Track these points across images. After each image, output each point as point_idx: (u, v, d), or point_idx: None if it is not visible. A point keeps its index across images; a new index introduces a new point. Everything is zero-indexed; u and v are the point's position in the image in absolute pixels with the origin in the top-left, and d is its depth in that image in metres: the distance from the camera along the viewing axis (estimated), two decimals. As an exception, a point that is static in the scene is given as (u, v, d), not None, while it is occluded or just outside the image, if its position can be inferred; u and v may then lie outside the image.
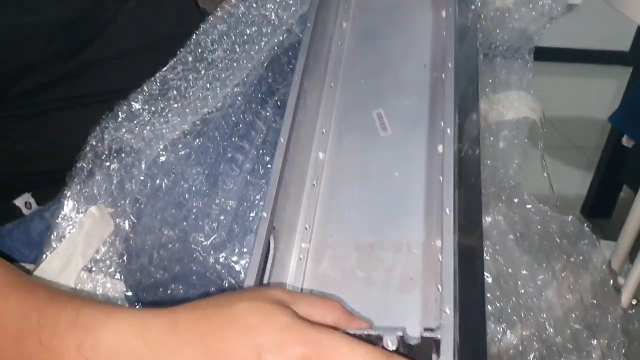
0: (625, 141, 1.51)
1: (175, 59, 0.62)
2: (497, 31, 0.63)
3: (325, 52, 0.65)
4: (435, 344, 0.37)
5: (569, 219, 0.71)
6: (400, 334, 0.37)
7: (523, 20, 0.63)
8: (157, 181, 0.56)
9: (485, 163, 0.60)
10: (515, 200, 0.65)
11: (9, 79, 0.53)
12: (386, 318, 0.46)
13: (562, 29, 2.21)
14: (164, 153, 0.59)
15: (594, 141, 2.01)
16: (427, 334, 0.38)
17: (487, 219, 0.62)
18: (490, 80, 0.64)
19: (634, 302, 1.11)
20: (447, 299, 0.39)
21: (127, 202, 0.54)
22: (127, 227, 0.54)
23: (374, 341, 0.37)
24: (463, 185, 0.48)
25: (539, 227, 0.67)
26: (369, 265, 0.50)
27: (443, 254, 0.42)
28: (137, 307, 0.56)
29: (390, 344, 0.36)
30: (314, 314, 0.37)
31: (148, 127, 0.60)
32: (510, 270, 0.63)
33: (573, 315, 0.60)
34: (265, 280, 0.48)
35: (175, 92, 0.59)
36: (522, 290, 0.59)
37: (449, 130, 0.48)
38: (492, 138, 0.59)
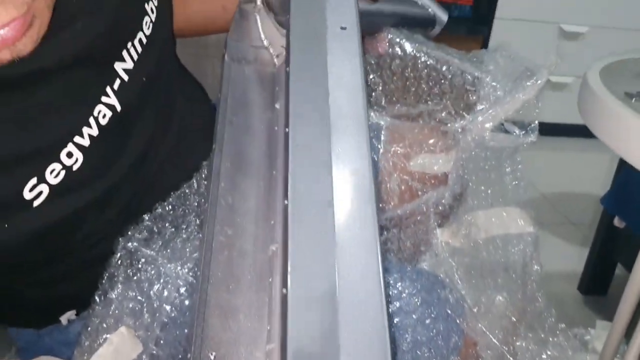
0: (617, 222, 1.57)
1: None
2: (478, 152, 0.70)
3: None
4: None
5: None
6: None
7: (502, 142, 0.70)
8: (183, 300, 0.62)
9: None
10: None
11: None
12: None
13: (556, 104, 2.31)
14: (189, 273, 0.65)
15: (589, 218, 2.06)
16: None
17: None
18: (483, 188, 0.69)
19: (630, 385, 1.14)
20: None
21: (155, 323, 0.60)
22: (153, 344, 0.60)
23: None
24: None
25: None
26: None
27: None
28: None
29: None
30: None
31: (171, 245, 0.67)
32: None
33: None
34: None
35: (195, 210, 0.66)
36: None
37: None
38: (500, 252, 0.64)
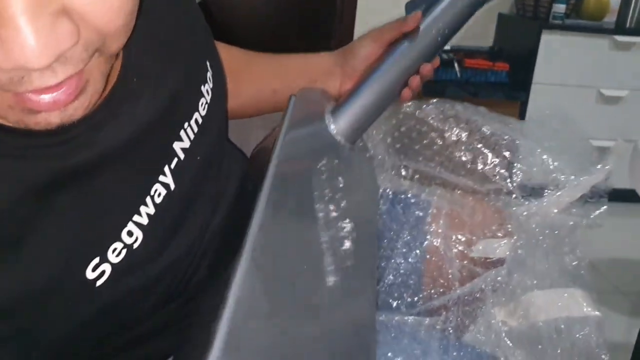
0: (671, 294, 1.52)
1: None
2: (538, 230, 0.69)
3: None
4: None
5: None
6: None
7: (564, 221, 0.70)
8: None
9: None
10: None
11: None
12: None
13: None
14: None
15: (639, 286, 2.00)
16: None
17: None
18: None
19: None
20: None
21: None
22: None
23: None
24: None
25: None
26: None
27: None
28: None
29: None
30: None
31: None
32: None
33: None
34: None
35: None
36: None
37: None
38: (562, 336, 0.62)
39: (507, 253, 0.66)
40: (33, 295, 0.49)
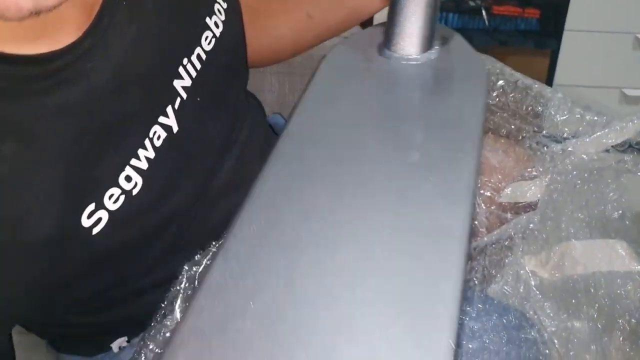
0: None
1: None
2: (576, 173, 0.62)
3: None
4: None
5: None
6: None
7: (605, 162, 0.63)
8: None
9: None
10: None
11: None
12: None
13: (630, 120, 2.17)
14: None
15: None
16: None
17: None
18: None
19: None
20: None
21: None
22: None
23: None
24: None
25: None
26: None
27: None
28: None
29: None
30: None
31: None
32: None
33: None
34: None
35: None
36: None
37: None
38: (602, 291, 0.56)
39: (540, 197, 0.60)
40: (28, 245, 0.47)
